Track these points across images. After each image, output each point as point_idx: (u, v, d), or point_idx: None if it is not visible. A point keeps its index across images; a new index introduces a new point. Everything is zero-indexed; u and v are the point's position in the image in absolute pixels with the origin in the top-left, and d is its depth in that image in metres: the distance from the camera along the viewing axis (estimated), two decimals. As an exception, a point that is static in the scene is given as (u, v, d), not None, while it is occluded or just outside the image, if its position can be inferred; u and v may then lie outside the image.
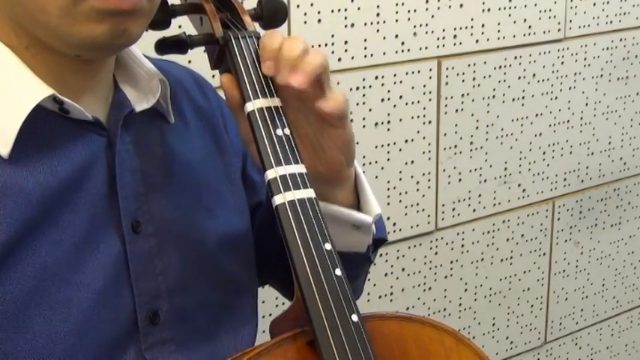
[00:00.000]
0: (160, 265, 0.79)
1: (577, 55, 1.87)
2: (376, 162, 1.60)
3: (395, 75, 1.59)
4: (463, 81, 1.69)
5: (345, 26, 1.50)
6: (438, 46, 1.64)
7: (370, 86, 1.56)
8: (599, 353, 2.13)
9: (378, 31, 1.54)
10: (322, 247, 0.69)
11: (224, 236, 0.86)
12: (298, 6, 1.44)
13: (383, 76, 1.57)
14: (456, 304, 1.81)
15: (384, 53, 1.56)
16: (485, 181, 1.78)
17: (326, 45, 1.48)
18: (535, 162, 1.87)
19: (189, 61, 1.05)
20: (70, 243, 0.72)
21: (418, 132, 1.65)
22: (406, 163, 1.65)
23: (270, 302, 1.43)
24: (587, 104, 1.93)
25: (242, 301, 0.89)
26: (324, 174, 0.81)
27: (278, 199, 0.70)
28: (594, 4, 1.86)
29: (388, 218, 1.64)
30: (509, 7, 1.72)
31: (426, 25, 1.61)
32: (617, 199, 2.06)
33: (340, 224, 0.83)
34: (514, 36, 1.75)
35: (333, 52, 1.49)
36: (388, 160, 1.62)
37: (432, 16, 1.61)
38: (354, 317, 0.67)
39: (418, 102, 1.63)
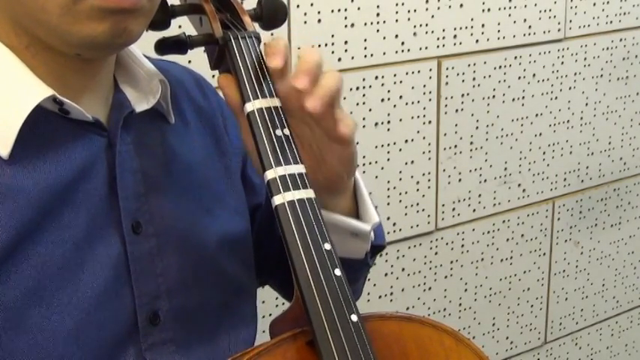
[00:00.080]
0: (160, 266, 0.79)
1: (577, 55, 1.87)
2: (376, 162, 1.60)
3: (395, 75, 1.59)
4: (463, 81, 1.69)
5: (345, 26, 1.50)
6: (438, 46, 1.64)
7: (370, 86, 1.56)
8: (599, 353, 2.13)
9: (378, 31, 1.55)
10: (322, 248, 0.69)
11: (224, 237, 0.86)
12: (298, 6, 1.44)
13: (383, 76, 1.57)
14: (456, 304, 1.81)
15: (384, 53, 1.56)
16: (485, 181, 1.78)
17: (326, 45, 1.48)
18: (535, 162, 1.87)
19: (189, 61, 1.05)
20: (70, 243, 0.72)
21: (418, 132, 1.65)
22: (406, 163, 1.65)
23: (270, 302, 1.43)
24: (587, 104, 1.93)
25: (242, 301, 0.89)
26: (324, 183, 0.80)
27: (277, 200, 0.70)
28: (594, 4, 1.86)
29: (388, 218, 1.64)
30: (509, 7, 1.72)
31: (426, 25, 1.61)
32: (617, 199, 2.06)
33: (338, 232, 0.82)
34: (514, 36, 1.75)
35: (333, 52, 1.49)
36: (388, 160, 1.62)
37: (432, 16, 1.61)
38: (354, 317, 0.67)
39: (418, 102, 1.63)
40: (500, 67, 1.74)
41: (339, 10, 1.49)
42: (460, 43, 1.67)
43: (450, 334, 0.75)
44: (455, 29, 1.65)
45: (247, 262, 0.90)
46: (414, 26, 1.59)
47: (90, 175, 0.75)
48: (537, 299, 1.96)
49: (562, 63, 1.85)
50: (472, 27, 1.68)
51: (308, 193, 0.71)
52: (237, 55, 0.76)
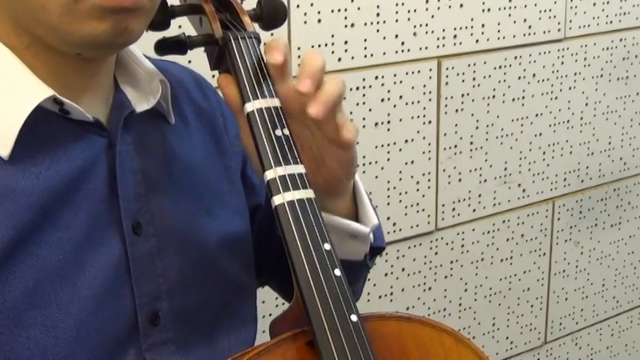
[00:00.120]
0: (161, 266, 0.79)
1: (577, 55, 1.87)
2: (376, 162, 1.60)
3: (395, 75, 1.59)
4: (463, 81, 1.69)
5: (345, 26, 1.50)
6: (438, 46, 1.64)
7: (370, 86, 1.56)
8: (599, 353, 2.13)
9: (378, 31, 1.55)
10: (321, 248, 0.69)
11: (224, 237, 0.86)
12: (298, 6, 1.44)
13: (383, 76, 1.57)
14: (456, 304, 1.81)
15: (384, 53, 1.56)
16: (485, 181, 1.78)
17: (326, 45, 1.48)
18: (535, 162, 1.87)
19: (190, 61, 1.05)
20: (71, 244, 0.72)
21: (418, 132, 1.65)
22: (406, 163, 1.65)
23: (270, 302, 1.43)
24: (587, 104, 1.93)
25: (242, 301, 0.89)
26: (323, 185, 0.80)
27: (277, 200, 0.70)
28: (594, 4, 1.86)
29: (388, 218, 1.64)
30: (509, 7, 1.72)
31: (426, 25, 1.61)
32: (617, 199, 2.06)
33: (337, 233, 0.82)
34: (514, 36, 1.75)
35: (333, 52, 1.49)
36: (388, 160, 1.62)
37: (432, 16, 1.61)
38: (354, 317, 0.67)
39: (418, 102, 1.63)
40: (500, 67, 1.74)
41: (339, 10, 1.49)
42: (460, 43, 1.67)
43: (449, 334, 0.75)
44: (455, 29, 1.65)
45: (247, 262, 0.90)
46: (414, 26, 1.59)
47: (90, 176, 0.75)
48: (537, 299, 1.96)
49: (562, 63, 1.85)
50: (472, 27, 1.68)
51: (308, 193, 0.71)
52: (236, 55, 0.76)
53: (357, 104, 1.55)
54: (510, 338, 1.93)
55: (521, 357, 1.97)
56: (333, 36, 1.49)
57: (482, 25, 1.69)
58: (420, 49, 1.61)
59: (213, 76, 0.86)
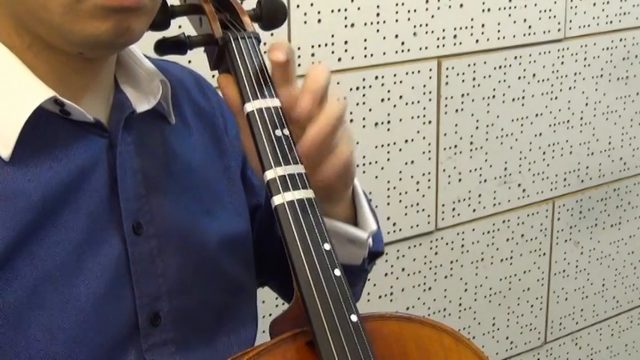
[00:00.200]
0: (161, 267, 0.79)
1: (577, 55, 1.87)
2: (376, 162, 1.60)
3: (395, 75, 1.59)
4: (463, 81, 1.69)
5: (345, 26, 1.50)
6: (438, 46, 1.64)
7: (370, 86, 1.56)
8: (599, 353, 2.13)
9: (378, 31, 1.55)
10: (321, 248, 0.69)
11: (224, 237, 0.86)
12: (298, 6, 1.44)
13: (383, 76, 1.57)
14: (456, 304, 1.81)
15: (384, 53, 1.56)
16: (485, 181, 1.78)
17: (326, 45, 1.48)
18: (535, 162, 1.87)
19: (190, 61, 1.05)
20: (71, 245, 0.72)
21: (418, 132, 1.65)
22: (406, 163, 1.65)
23: (270, 302, 1.43)
24: (587, 104, 1.93)
25: (242, 302, 0.89)
26: (321, 192, 0.80)
27: (277, 200, 0.69)
28: (594, 4, 1.86)
29: (388, 218, 1.64)
30: (509, 7, 1.72)
31: (426, 25, 1.61)
32: (617, 199, 2.06)
33: (335, 238, 0.81)
34: (514, 36, 1.75)
35: (333, 52, 1.49)
36: (388, 160, 1.62)
37: (432, 16, 1.61)
38: (353, 317, 0.67)
39: (418, 102, 1.63)
40: (500, 67, 1.74)
41: (339, 10, 1.49)
42: (460, 43, 1.67)
43: (449, 335, 0.75)
44: (455, 29, 1.65)
45: (248, 262, 0.90)
46: (414, 26, 1.59)
47: (91, 176, 0.75)
48: (537, 299, 1.96)
49: (562, 63, 1.85)
50: (472, 27, 1.68)
51: (308, 193, 0.70)
52: (236, 55, 0.76)
53: (357, 104, 1.55)
54: (510, 338, 1.93)
55: (521, 357, 1.97)
56: (333, 36, 1.49)
57: (483, 25, 1.69)
58: (420, 49, 1.61)
59: (214, 76, 0.86)
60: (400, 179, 1.65)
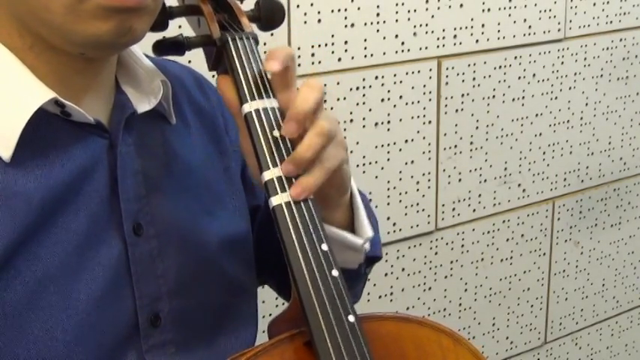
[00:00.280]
0: (161, 267, 0.79)
1: (577, 55, 1.87)
2: (376, 162, 1.60)
3: (395, 75, 1.59)
4: (463, 81, 1.69)
5: (345, 26, 1.50)
6: (438, 46, 1.64)
7: (370, 86, 1.56)
8: (599, 353, 2.13)
9: (378, 31, 1.55)
10: (319, 248, 0.69)
11: (224, 238, 0.86)
12: (298, 6, 1.44)
13: (383, 76, 1.57)
14: (456, 304, 1.81)
15: (384, 53, 1.56)
16: (485, 181, 1.78)
17: (326, 45, 1.48)
18: (535, 162, 1.87)
19: (189, 61, 1.05)
20: (72, 245, 0.72)
21: (418, 132, 1.65)
22: (406, 163, 1.65)
23: (270, 302, 1.43)
24: (587, 104, 1.93)
25: (242, 302, 0.89)
26: (317, 199, 0.80)
27: (275, 200, 0.70)
28: (594, 4, 1.86)
29: (388, 218, 1.64)
30: (509, 7, 1.72)
31: (426, 25, 1.61)
32: (617, 199, 2.06)
33: (331, 243, 0.82)
34: (514, 36, 1.75)
35: (333, 52, 1.49)
36: (388, 160, 1.62)
37: (432, 16, 1.61)
38: (351, 318, 0.67)
39: (418, 102, 1.63)
40: (500, 67, 1.74)
41: (339, 10, 1.49)
42: (460, 43, 1.67)
43: (448, 335, 0.75)
44: (455, 29, 1.65)
45: (248, 262, 0.90)
46: (414, 26, 1.59)
47: (91, 177, 0.75)
48: (537, 299, 1.96)
49: (562, 63, 1.85)
50: (472, 27, 1.68)
51: (306, 194, 0.71)
52: (234, 56, 0.76)
53: (357, 104, 1.55)
54: (510, 338, 1.93)
55: (521, 357, 1.97)
56: (333, 36, 1.49)
57: (483, 25, 1.69)
58: (420, 49, 1.61)
59: (213, 75, 0.86)
60: (400, 179, 1.65)
